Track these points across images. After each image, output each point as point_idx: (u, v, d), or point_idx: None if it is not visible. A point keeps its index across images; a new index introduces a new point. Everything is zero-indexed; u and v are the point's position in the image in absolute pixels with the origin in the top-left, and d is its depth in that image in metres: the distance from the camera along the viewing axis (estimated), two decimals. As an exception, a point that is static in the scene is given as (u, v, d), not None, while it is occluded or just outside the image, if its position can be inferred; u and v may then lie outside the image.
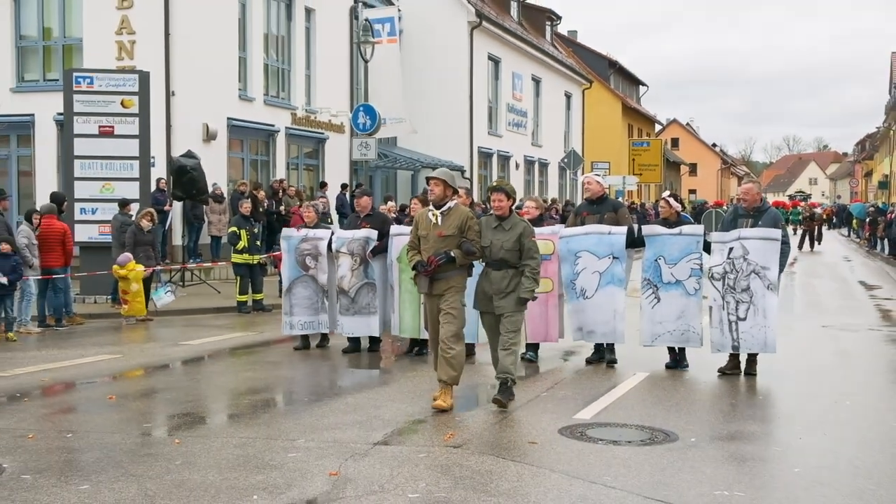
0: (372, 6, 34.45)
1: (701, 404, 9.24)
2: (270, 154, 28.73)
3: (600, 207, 11.29)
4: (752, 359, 10.52)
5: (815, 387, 10.20)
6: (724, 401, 9.33)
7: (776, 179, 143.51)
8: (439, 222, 8.72)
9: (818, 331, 14.81)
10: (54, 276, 15.10)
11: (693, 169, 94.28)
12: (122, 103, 19.02)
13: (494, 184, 9.09)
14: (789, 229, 59.88)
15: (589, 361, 11.26)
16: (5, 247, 13.88)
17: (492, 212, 9.15)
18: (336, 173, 30.40)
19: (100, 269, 17.10)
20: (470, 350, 10.77)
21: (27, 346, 13.32)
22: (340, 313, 11.97)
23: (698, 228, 10.93)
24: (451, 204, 8.82)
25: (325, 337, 12.59)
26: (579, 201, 31.93)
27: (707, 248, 10.64)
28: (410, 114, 35.48)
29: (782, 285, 23.25)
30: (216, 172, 24.35)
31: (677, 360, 10.90)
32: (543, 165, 47.87)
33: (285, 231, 12.70)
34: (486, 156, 40.15)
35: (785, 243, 10.42)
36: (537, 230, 10.20)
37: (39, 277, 14.90)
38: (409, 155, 35.86)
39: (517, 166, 43.42)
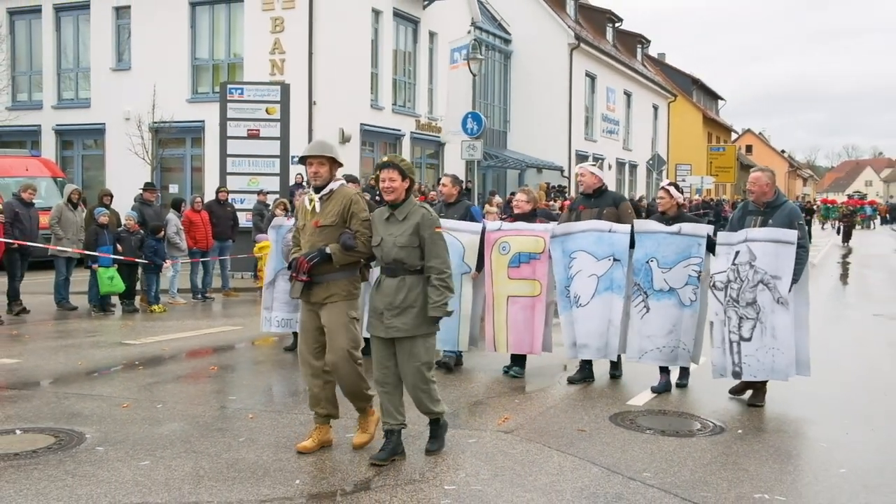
0: (486, 30, 33.37)
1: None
2: (397, 154, 27.98)
3: (599, 201, 8.07)
4: (759, 386, 7.26)
5: (865, 377, 8.63)
6: (776, 389, 7.46)
7: (836, 182, 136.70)
8: (317, 209, 5.56)
9: (869, 319, 13.05)
10: (202, 259, 14.58)
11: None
12: (266, 110, 18.48)
13: (384, 159, 5.56)
14: (828, 225, 56.02)
15: (571, 381, 7.95)
16: (154, 233, 13.37)
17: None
18: (454, 172, 29.40)
19: (248, 250, 16.54)
20: (458, 360, 8.59)
21: (170, 316, 12.73)
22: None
23: (701, 228, 7.47)
24: (333, 186, 5.58)
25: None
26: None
27: (714, 249, 7.39)
28: (518, 120, 34.54)
29: (835, 275, 21.42)
30: (350, 170, 23.67)
31: (668, 381, 7.67)
32: (633, 167, 46.02)
33: (276, 220, 9.46)
34: (582, 158, 38.57)
35: (802, 247, 6.93)
36: (527, 226, 8.13)
37: (188, 260, 14.39)
38: (516, 156, 34.81)
39: (610, 167, 41.71)
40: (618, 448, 5.86)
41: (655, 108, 49.83)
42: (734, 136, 77.47)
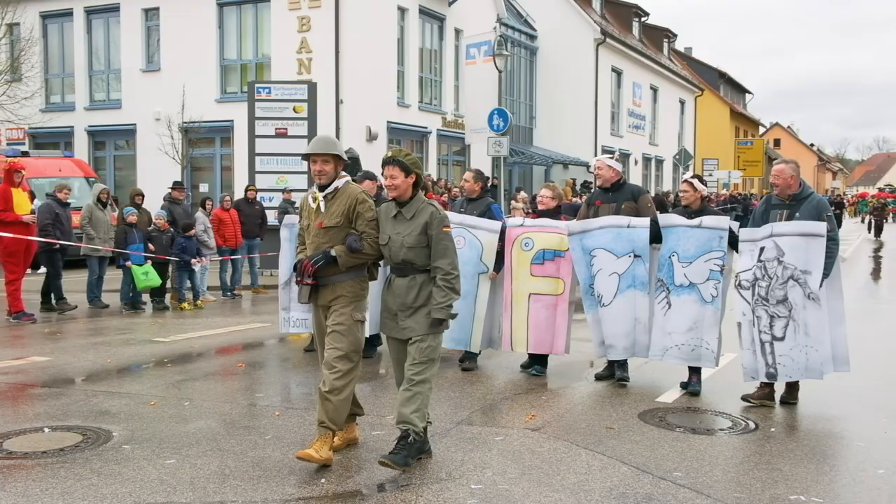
0: (512, 27, 33.17)
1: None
2: (424, 152, 27.91)
3: (617, 195, 7.69)
4: (791, 384, 6.95)
5: (901, 373, 8.41)
6: (810, 385, 7.16)
7: (867, 175, 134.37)
8: (321, 209, 5.30)
9: (905, 313, 12.78)
10: (231, 257, 14.57)
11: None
12: (293, 109, 18.45)
13: (387, 154, 5.31)
14: (857, 219, 54.93)
15: (599, 378, 7.82)
16: (187, 231, 13.39)
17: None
18: (480, 168, 29.26)
19: (275, 248, 16.49)
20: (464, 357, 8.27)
21: (199, 313, 12.73)
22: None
23: (722, 220, 7.10)
24: (338, 184, 5.30)
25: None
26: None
27: (736, 245, 7.03)
28: (544, 116, 34.35)
29: (867, 269, 21.01)
30: (377, 168, 23.58)
31: (699, 381, 7.37)
32: (659, 162, 45.54)
33: (287, 218, 9.16)
34: (608, 153, 38.28)
35: (832, 240, 6.61)
36: (551, 222, 7.88)
37: (218, 258, 14.38)
38: (542, 152, 34.55)
39: (636, 162, 41.37)
40: (647, 446, 5.71)
41: (682, 102, 49.29)
42: (762, 130, 76.54)
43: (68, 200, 12.82)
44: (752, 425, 6.30)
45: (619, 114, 39.54)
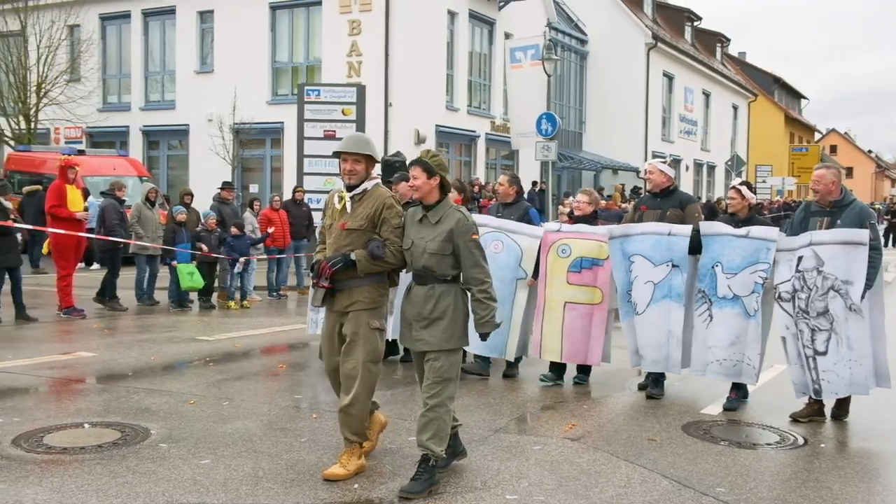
0: (562, 31, 32.94)
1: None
2: (472, 156, 27.86)
3: (664, 202, 7.37)
4: (842, 399, 6.56)
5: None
6: (863, 400, 6.70)
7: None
8: (347, 210, 5.00)
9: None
10: (278, 257, 14.63)
11: (849, 172, 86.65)
12: (342, 112, 18.45)
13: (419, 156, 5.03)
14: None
15: (641, 387, 7.52)
16: (234, 230, 13.48)
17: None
18: (529, 172, 29.09)
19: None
20: (512, 365, 8.04)
21: (245, 313, 12.78)
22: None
23: (772, 231, 6.65)
24: (367, 185, 5.02)
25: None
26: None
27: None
28: (594, 120, 34.10)
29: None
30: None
31: (742, 396, 7.06)
32: (711, 168, 44.86)
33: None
34: (660, 158, 37.87)
35: (875, 249, 6.22)
36: (589, 229, 7.61)
37: (265, 258, 14.45)
38: (592, 157, 34.27)
39: (687, 168, 40.77)
40: (690, 460, 5.53)
41: (735, 107, 48.54)
42: (818, 136, 74.95)
43: (124, 198, 13.03)
44: (800, 440, 6.08)
45: (670, 119, 39.06)
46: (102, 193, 13.83)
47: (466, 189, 8.30)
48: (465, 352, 7.80)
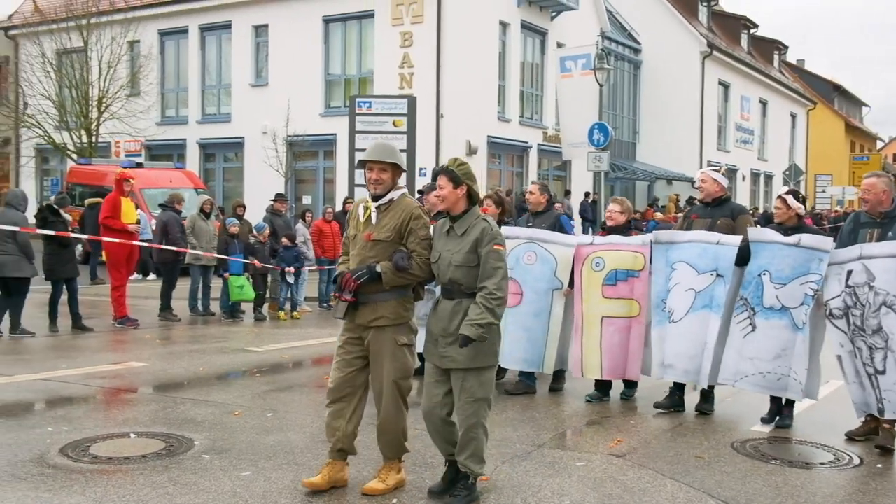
0: (615, 40, 32.68)
1: None
2: (524, 166, 27.74)
3: (715, 211, 7.12)
4: (887, 427, 6.16)
5: None
6: None
7: None
8: (372, 220, 4.84)
9: None
10: (328, 267, 14.71)
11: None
12: (393, 123, 18.53)
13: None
14: None
15: (658, 406, 7.18)
16: (285, 241, 13.60)
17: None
18: (581, 183, 28.90)
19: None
20: (558, 378, 7.88)
21: (295, 324, 12.86)
22: None
23: (824, 241, 6.33)
24: (394, 195, 4.85)
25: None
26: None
27: None
28: (648, 130, 33.75)
29: None
30: (477, 182, 23.56)
31: (777, 412, 6.76)
32: (768, 178, 43.98)
33: None
34: (714, 167, 37.22)
35: None
36: (622, 240, 7.32)
37: (316, 268, 14.55)
38: (646, 167, 33.87)
39: (743, 178, 40.09)
40: (739, 479, 5.35)
41: (793, 116, 47.57)
42: (880, 144, 73.13)
43: (181, 210, 13.24)
44: (855, 460, 5.85)
45: (726, 128, 38.42)
46: (161, 206, 14.06)
47: (505, 202, 8.13)
48: (502, 369, 7.78)
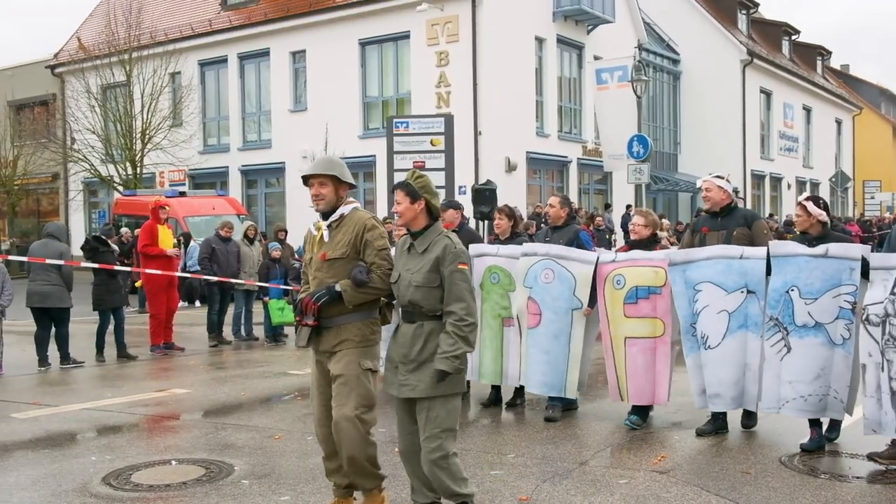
0: (653, 52, 32.44)
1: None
2: (564, 181, 27.56)
3: (727, 221, 6.70)
4: None
5: None
6: None
7: None
8: (325, 238, 4.63)
9: None
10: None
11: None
12: (431, 142, 18.56)
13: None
14: None
15: (700, 433, 6.62)
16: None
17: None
18: (622, 196, 28.62)
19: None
20: (569, 406, 7.47)
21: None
22: None
23: (853, 249, 5.92)
24: (344, 210, 4.61)
25: None
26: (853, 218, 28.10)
27: (867, 273, 5.79)
28: (689, 141, 33.41)
29: None
30: (517, 198, 23.43)
31: (821, 437, 6.19)
32: (814, 185, 43.12)
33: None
34: (758, 178, 36.70)
35: None
36: (643, 255, 6.82)
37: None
38: (688, 179, 33.39)
39: (789, 186, 39.40)
40: (786, 494, 5.16)
41: (839, 122, 46.71)
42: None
43: (229, 236, 13.28)
44: (913, 473, 5.62)
45: (769, 136, 37.83)
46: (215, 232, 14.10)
47: (517, 215, 7.99)
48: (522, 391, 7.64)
